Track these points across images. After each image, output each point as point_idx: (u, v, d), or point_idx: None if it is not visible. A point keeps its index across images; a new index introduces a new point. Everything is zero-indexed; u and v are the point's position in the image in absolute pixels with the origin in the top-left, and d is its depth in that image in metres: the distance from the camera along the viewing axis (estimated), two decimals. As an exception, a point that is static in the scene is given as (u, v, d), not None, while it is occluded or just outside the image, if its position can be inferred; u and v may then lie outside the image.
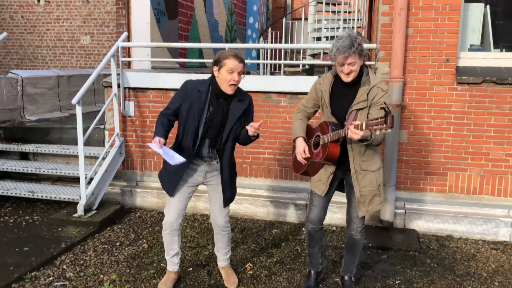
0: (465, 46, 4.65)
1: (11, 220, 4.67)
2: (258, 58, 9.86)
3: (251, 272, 3.67)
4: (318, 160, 2.95)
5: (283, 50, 7.89)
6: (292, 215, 4.83)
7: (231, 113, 3.05)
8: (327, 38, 7.14)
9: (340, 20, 7.07)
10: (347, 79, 2.86)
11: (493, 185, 4.47)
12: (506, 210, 4.47)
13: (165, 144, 2.97)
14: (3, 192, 5.00)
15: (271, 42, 8.47)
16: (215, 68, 3.01)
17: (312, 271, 3.42)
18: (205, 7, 9.91)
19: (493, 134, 4.40)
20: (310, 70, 7.64)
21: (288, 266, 3.77)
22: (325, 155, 2.87)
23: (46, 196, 4.88)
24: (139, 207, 5.20)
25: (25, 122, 6.11)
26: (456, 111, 4.44)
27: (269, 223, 4.80)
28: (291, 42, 10.16)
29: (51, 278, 3.53)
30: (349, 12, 7.45)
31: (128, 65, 7.11)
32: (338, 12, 7.24)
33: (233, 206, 4.67)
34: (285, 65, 7.57)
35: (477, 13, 4.68)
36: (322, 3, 6.97)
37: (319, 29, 7.17)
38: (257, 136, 3.03)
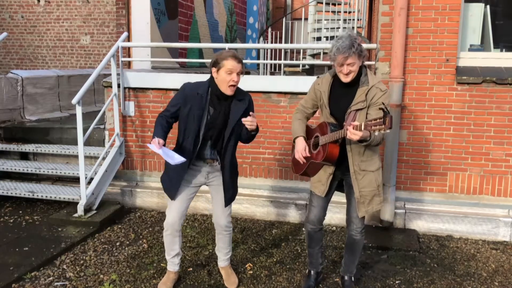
0: (465, 46, 4.65)
1: (11, 220, 4.68)
2: (258, 58, 9.86)
3: (251, 272, 3.67)
4: (317, 160, 2.95)
5: (283, 50, 7.89)
6: (292, 215, 4.83)
7: (232, 113, 3.05)
8: (327, 38, 7.14)
9: (340, 20, 7.07)
10: (346, 79, 2.86)
11: (493, 185, 4.47)
12: (506, 210, 4.47)
13: (164, 145, 2.97)
14: (3, 192, 5.00)
15: (271, 42, 8.47)
16: (214, 69, 3.00)
17: (312, 271, 3.43)
18: (205, 7, 9.91)
19: (493, 134, 4.40)
20: (310, 70, 7.64)
21: (288, 266, 3.77)
22: (324, 156, 2.87)
23: (46, 196, 4.88)
24: (139, 207, 5.20)
25: (25, 122, 6.11)
26: (456, 111, 4.44)
27: (269, 223, 4.80)
28: (291, 42, 10.16)
29: (51, 278, 3.53)
30: (349, 12, 7.45)
31: (128, 65, 7.11)
32: (338, 12, 7.25)
33: (233, 206, 4.65)
34: (285, 65, 7.57)
35: (477, 13, 4.68)
36: (322, 3, 6.97)
37: (319, 29, 7.17)
38: (257, 130, 3.02)
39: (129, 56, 7.79)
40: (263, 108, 4.90)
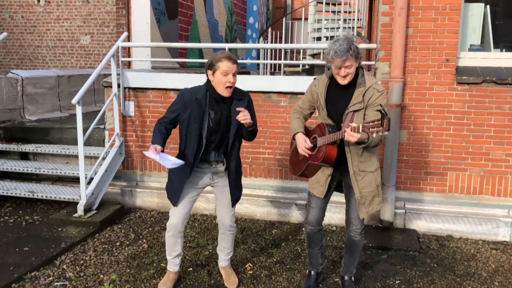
0: (465, 46, 4.65)
1: (11, 220, 4.67)
2: (258, 58, 9.86)
3: (251, 272, 3.67)
4: (315, 162, 2.95)
5: (283, 50, 7.89)
6: (292, 215, 4.83)
7: (233, 114, 3.05)
8: (327, 38, 7.14)
9: (340, 20, 7.07)
10: (343, 81, 2.85)
11: (493, 185, 4.47)
12: (506, 210, 4.47)
13: (162, 151, 2.98)
14: (3, 192, 5.00)
15: (271, 42, 8.48)
16: (209, 72, 3.00)
17: (312, 272, 3.43)
18: (205, 7, 9.91)
19: (493, 134, 4.40)
20: (310, 70, 7.64)
21: (288, 266, 3.77)
22: (322, 157, 2.86)
23: (46, 196, 4.88)
24: (139, 207, 5.20)
25: (25, 122, 6.11)
26: (456, 111, 4.44)
27: (269, 223, 4.80)
28: (291, 42, 10.16)
29: (51, 278, 3.53)
30: (349, 12, 7.45)
31: (128, 65, 7.11)
32: (338, 12, 7.24)
33: (233, 206, 4.67)
34: (285, 65, 7.57)
35: (477, 13, 4.68)
36: (322, 3, 6.97)
37: (319, 29, 7.17)
38: (254, 124, 3.03)
39: (129, 56, 7.78)
40: (263, 108, 4.90)
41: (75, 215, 4.60)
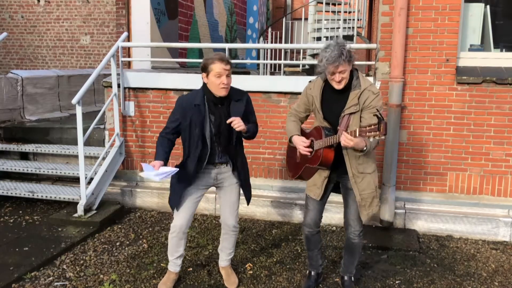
0: (465, 46, 4.65)
1: (11, 220, 4.67)
2: (258, 58, 9.85)
3: (251, 272, 3.67)
4: (312, 165, 2.95)
5: (283, 50, 7.89)
6: (292, 215, 4.83)
7: (233, 115, 3.05)
8: (327, 38, 7.13)
9: (340, 20, 7.07)
10: (338, 86, 2.85)
11: (493, 185, 4.47)
12: (506, 210, 4.47)
13: (165, 164, 2.99)
14: (3, 192, 5.00)
15: (271, 42, 8.47)
16: (204, 74, 3.01)
17: (312, 272, 3.43)
18: (205, 7, 9.91)
19: (493, 134, 4.40)
20: (310, 70, 7.63)
21: (288, 266, 3.77)
22: (319, 161, 2.86)
23: (46, 196, 4.88)
24: (139, 207, 5.20)
25: (25, 122, 6.11)
26: (456, 111, 4.44)
27: (269, 223, 4.80)
28: (291, 42, 10.15)
29: (51, 278, 3.53)
30: (349, 12, 7.45)
31: (128, 65, 7.11)
32: (338, 12, 7.24)
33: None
34: (285, 65, 7.57)
35: (477, 13, 4.68)
36: (322, 3, 6.96)
37: (319, 29, 7.16)
38: (249, 131, 3.05)
39: (129, 56, 7.78)
40: (263, 108, 4.90)
41: (75, 215, 4.60)
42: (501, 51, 4.80)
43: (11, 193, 4.98)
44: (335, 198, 3.46)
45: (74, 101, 4.50)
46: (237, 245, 4.14)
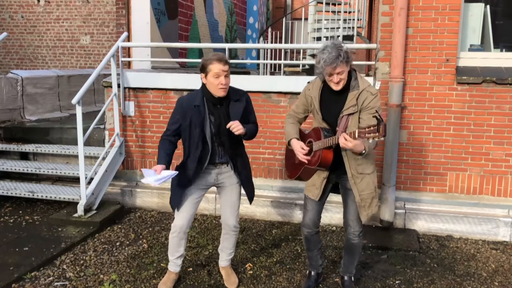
0: (465, 46, 4.65)
1: (11, 220, 4.67)
2: (258, 58, 9.85)
3: (251, 272, 3.67)
4: (311, 166, 2.94)
5: (283, 50, 7.89)
6: (292, 215, 4.83)
7: (232, 115, 3.06)
8: (327, 38, 7.13)
9: (340, 20, 7.07)
10: (337, 87, 2.85)
11: (493, 185, 4.47)
12: (506, 210, 4.47)
13: (168, 167, 3.00)
14: (3, 192, 5.00)
15: (271, 42, 8.47)
16: (202, 75, 3.02)
17: (312, 272, 3.43)
18: (205, 7, 9.91)
19: (493, 134, 4.40)
20: (310, 70, 7.63)
21: (288, 266, 3.77)
22: (318, 162, 2.86)
23: (46, 196, 4.88)
24: (139, 207, 5.20)
25: (25, 122, 6.11)
26: (456, 111, 4.44)
27: (269, 223, 4.80)
28: (291, 42, 10.15)
29: (51, 278, 3.53)
30: (349, 12, 7.45)
31: (128, 65, 7.11)
32: (338, 12, 7.24)
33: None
34: (285, 65, 7.57)
35: (477, 13, 4.68)
36: (322, 3, 6.96)
37: (319, 29, 7.16)
38: (247, 133, 3.04)
39: (129, 56, 7.78)
40: (263, 108, 4.90)
41: (75, 215, 4.60)
42: (501, 51, 4.80)
43: (11, 193, 4.98)
44: (335, 198, 3.46)
45: (74, 101, 4.50)
46: (237, 245, 4.13)
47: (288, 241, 4.32)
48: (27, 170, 5.22)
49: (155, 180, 2.86)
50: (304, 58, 8.25)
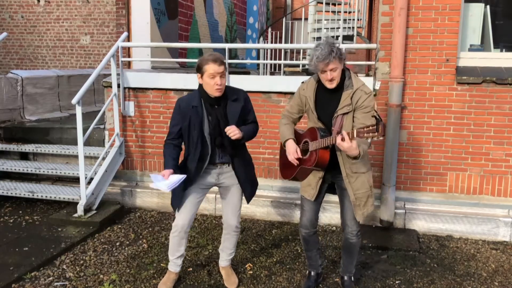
0: (465, 46, 4.65)
1: (11, 220, 4.67)
2: (258, 58, 9.85)
3: (251, 272, 3.67)
4: (308, 166, 2.94)
5: (283, 50, 7.89)
6: (292, 215, 4.83)
7: (230, 115, 3.06)
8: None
9: (340, 20, 7.07)
10: (331, 85, 2.85)
11: (493, 185, 4.47)
12: (506, 210, 4.47)
13: (174, 172, 3.00)
14: (3, 192, 5.00)
15: (271, 42, 8.47)
16: (198, 75, 3.02)
17: (312, 272, 3.43)
18: (205, 7, 9.91)
19: (493, 134, 4.40)
20: (311, 71, 7.62)
21: (288, 266, 3.77)
22: (315, 162, 2.86)
23: (46, 196, 4.88)
24: (139, 207, 5.20)
25: (25, 122, 6.11)
26: (456, 111, 4.44)
27: (269, 223, 4.80)
28: (291, 42, 10.15)
29: (51, 278, 3.53)
30: (349, 12, 7.44)
31: (128, 65, 7.11)
32: (338, 12, 7.24)
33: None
34: (285, 65, 7.56)
35: (477, 13, 4.68)
36: (322, 3, 6.96)
37: (319, 29, 7.16)
38: (244, 137, 3.05)
39: (129, 56, 7.78)
40: (263, 108, 4.90)
41: (75, 215, 4.60)
42: (501, 51, 4.80)
43: (11, 193, 4.98)
44: (334, 198, 3.45)
45: (74, 101, 4.50)
46: (237, 245, 4.14)
47: (288, 241, 4.32)
48: (27, 170, 5.22)
49: (166, 186, 2.87)
50: (304, 58, 8.25)
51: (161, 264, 3.76)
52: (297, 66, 7.84)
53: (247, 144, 3.31)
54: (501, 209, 4.47)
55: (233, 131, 2.95)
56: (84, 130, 4.65)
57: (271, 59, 8.10)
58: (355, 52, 8.98)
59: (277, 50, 9.07)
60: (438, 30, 4.36)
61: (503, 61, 4.48)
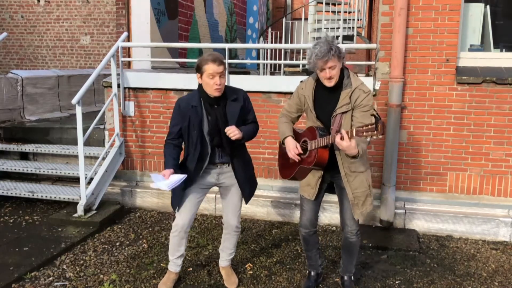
0: (465, 46, 4.65)
1: (11, 220, 4.67)
2: (258, 58, 9.85)
3: (251, 272, 3.67)
4: (307, 165, 2.94)
5: (283, 50, 7.89)
6: (292, 215, 4.83)
7: (229, 115, 3.06)
8: (327, 38, 7.12)
9: (340, 20, 7.07)
10: (329, 84, 2.85)
11: (493, 185, 4.47)
12: (506, 210, 4.47)
13: (175, 171, 3.00)
14: (3, 192, 5.00)
15: (271, 42, 8.47)
16: (198, 75, 3.02)
17: (312, 272, 3.43)
18: (205, 7, 9.91)
19: (493, 134, 4.40)
20: (310, 70, 7.62)
21: (288, 266, 3.77)
22: (314, 161, 2.85)
23: (46, 196, 4.88)
24: (139, 207, 5.20)
25: (25, 122, 6.11)
26: (456, 111, 4.44)
27: (269, 223, 4.80)
28: (291, 42, 10.15)
29: (51, 278, 3.53)
30: (349, 12, 7.44)
31: (128, 65, 7.11)
32: (338, 12, 7.24)
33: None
34: (285, 65, 7.56)
35: (477, 13, 4.68)
36: (322, 3, 6.96)
37: (319, 29, 7.16)
38: (243, 137, 3.05)
39: (129, 56, 7.78)
40: (263, 108, 4.90)
41: (75, 215, 4.60)
42: (501, 51, 4.80)
43: (11, 193, 4.98)
44: (334, 198, 3.44)
45: (74, 101, 4.50)
46: (237, 245, 4.14)
47: (288, 241, 4.32)
48: (27, 170, 5.22)
49: (166, 185, 2.87)
50: (304, 58, 8.25)
51: (161, 264, 3.76)
52: (297, 66, 7.84)
53: (247, 144, 3.31)
54: (501, 209, 4.47)
55: (232, 131, 2.95)
56: (84, 130, 4.65)
57: (271, 59, 8.10)
58: (355, 52, 8.97)
59: (277, 50, 9.07)
60: (438, 30, 4.36)
61: (503, 61, 4.48)
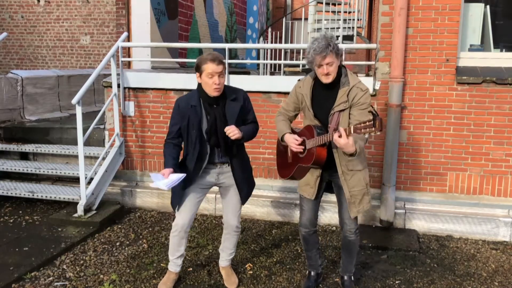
0: (465, 46, 4.65)
1: (11, 220, 4.67)
2: (258, 58, 9.85)
3: (251, 272, 3.67)
4: (306, 164, 2.94)
5: (283, 50, 7.89)
6: (292, 215, 4.83)
7: (228, 115, 3.06)
8: (327, 38, 7.11)
9: (340, 20, 7.07)
10: (327, 80, 2.86)
11: (493, 185, 4.47)
12: (506, 210, 4.47)
13: (175, 171, 3.00)
14: (3, 192, 5.00)
15: (271, 42, 8.47)
16: (197, 75, 3.02)
17: (312, 272, 3.43)
18: (205, 7, 9.91)
19: (493, 134, 4.40)
20: (310, 70, 7.61)
21: (288, 266, 3.77)
22: (312, 160, 2.85)
23: (46, 196, 4.88)
24: (139, 207, 5.20)
25: (25, 122, 6.11)
26: (456, 111, 4.44)
27: (269, 223, 4.80)
28: (291, 42, 10.15)
29: (51, 278, 3.53)
30: (349, 12, 7.44)
31: (128, 65, 7.11)
32: (338, 12, 7.24)
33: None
34: (285, 65, 7.56)
35: (477, 13, 4.68)
36: (322, 3, 6.96)
37: (319, 29, 7.16)
38: (243, 137, 3.04)
39: (129, 56, 7.78)
40: (263, 108, 4.90)
41: (75, 215, 4.60)
42: (501, 51, 4.80)
43: (11, 193, 4.98)
44: (334, 198, 3.44)
45: (74, 101, 4.50)
46: (237, 245, 4.14)
47: (288, 241, 4.32)
48: (27, 170, 5.22)
49: (165, 184, 2.87)
50: (304, 58, 8.24)
51: (161, 264, 3.76)
52: (297, 66, 7.83)
53: (246, 144, 3.31)
54: (501, 209, 4.47)
55: (232, 131, 2.95)
56: (84, 130, 4.65)
57: (271, 59, 8.10)
58: (355, 52, 8.97)
59: (277, 50, 9.06)
60: (438, 30, 4.36)
61: (503, 61, 4.48)
